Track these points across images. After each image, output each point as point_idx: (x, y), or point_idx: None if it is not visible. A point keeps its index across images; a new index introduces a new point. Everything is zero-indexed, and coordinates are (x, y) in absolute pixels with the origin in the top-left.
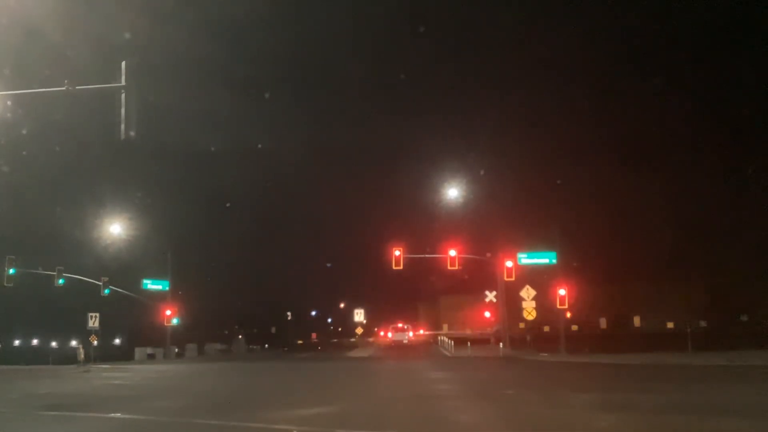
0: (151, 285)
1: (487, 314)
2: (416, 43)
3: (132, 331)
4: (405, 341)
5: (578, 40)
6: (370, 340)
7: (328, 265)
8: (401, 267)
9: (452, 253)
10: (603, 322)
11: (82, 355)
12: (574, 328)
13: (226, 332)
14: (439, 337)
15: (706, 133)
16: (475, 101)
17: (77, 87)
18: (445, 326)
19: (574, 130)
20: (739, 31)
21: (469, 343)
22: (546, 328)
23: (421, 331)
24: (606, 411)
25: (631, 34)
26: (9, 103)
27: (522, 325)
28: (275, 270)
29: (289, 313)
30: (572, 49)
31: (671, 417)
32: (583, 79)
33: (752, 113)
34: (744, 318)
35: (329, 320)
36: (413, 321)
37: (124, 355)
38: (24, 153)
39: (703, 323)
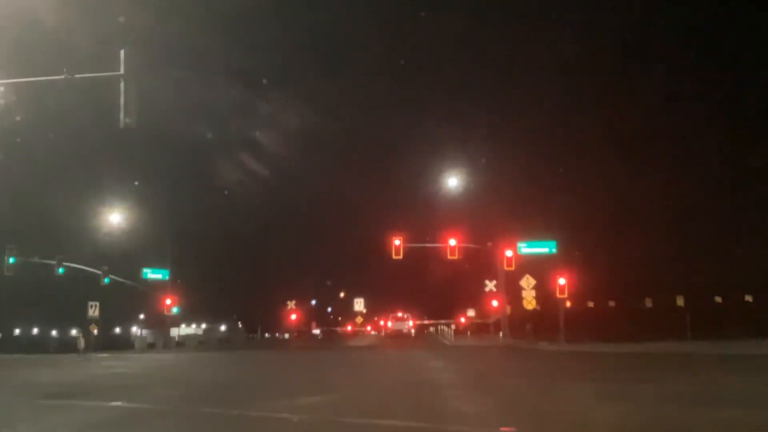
0: (151, 274)
1: (495, 303)
2: (418, 28)
3: (132, 321)
4: (405, 330)
5: (583, 28)
6: (371, 331)
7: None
8: (401, 256)
9: (452, 242)
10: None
11: (82, 344)
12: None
13: (226, 321)
14: (439, 326)
15: (709, 120)
16: (476, 89)
17: (76, 75)
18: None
19: (577, 119)
20: (746, 23)
21: (468, 332)
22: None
23: (421, 321)
24: (605, 400)
25: (636, 23)
26: (7, 91)
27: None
28: (275, 258)
29: (292, 302)
30: (576, 37)
31: (669, 406)
32: (587, 67)
33: (758, 104)
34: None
35: (329, 309)
36: (413, 310)
37: (124, 344)
38: (22, 142)
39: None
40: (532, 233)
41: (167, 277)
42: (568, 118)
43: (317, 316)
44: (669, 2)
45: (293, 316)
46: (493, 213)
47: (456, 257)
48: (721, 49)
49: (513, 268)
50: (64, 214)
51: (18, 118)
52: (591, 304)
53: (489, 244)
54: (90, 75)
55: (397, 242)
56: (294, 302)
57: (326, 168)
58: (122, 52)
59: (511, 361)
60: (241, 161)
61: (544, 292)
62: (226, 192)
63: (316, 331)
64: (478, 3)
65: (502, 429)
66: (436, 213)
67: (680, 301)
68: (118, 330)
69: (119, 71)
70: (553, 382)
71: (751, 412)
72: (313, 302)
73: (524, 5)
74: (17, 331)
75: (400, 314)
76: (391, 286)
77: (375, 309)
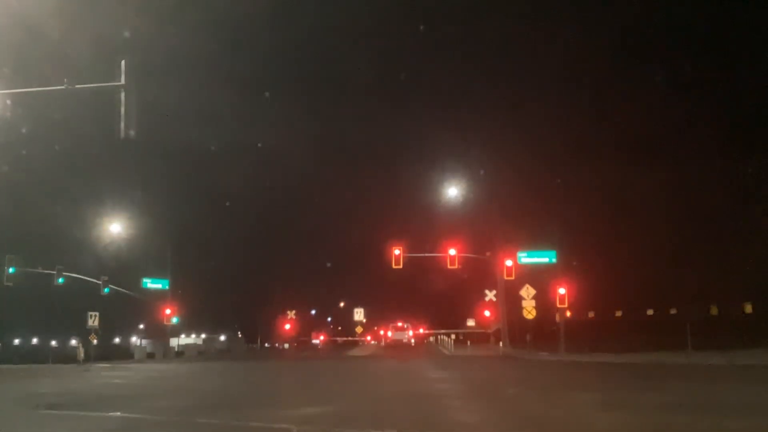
0: (150, 284)
1: (487, 313)
2: (416, 42)
3: (132, 330)
4: (405, 340)
5: (580, 37)
6: (371, 341)
7: (328, 264)
8: (401, 266)
9: (452, 252)
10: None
11: (82, 354)
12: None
13: (226, 331)
14: (438, 336)
15: (709, 128)
16: (475, 100)
17: (77, 86)
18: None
19: (576, 128)
20: (746, 24)
21: (468, 342)
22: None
23: (421, 330)
24: (606, 410)
25: (633, 29)
26: (8, 102)
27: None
28: (275, 268)
29: (292, 312)
30: (574, 46)
31: (671, 416)
32: (585, 76)
33: (757, 107)
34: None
35: (329, 319)
36: (413, 320)
37: (123, 354)
38: (23, 152)
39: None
40: (531, 243)
41: (167, 287)
42: (568, 127)
43: (317, 325)
44: (668, 4)
45: (290, 326)
46: (493, 222)
47: (456, 267)
48: (720, 53)
49: (513, 277)
50: (64, 224)
51: (23, 131)
52: (591, 315)
53: (488, 253)
54: (90, 85)
55: (397, 252)
56: (294, 312)
57: (327, 178)
58: (123, 62)
59: (511, 371)
60: (242, 171)
61: (544, 302)
62: (227, 203)
63: (316, 341)
64: (476, 15)
65: None
66: (436, 223)
67: (680, 311)
68: (117, 340)
69: (120, 81)
70: (553, 391)
71: (753, 421)
72: (313, 312)
73: (522, 17)
74: (17, 341)
75: (399, 324)
76: (391, 296)
77: (375, 318)
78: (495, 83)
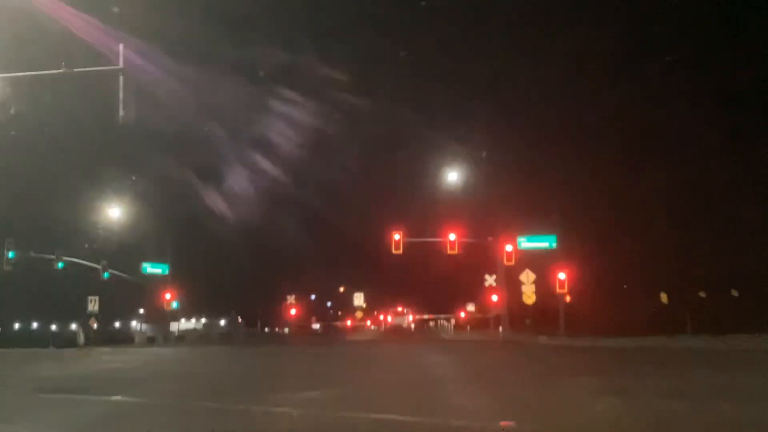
0: (150, 269)
1: (495, 297)
2: (417, 19)
3: (132, 315)
4: (404, 325)
5: (584, 22)
6: (371, 326)
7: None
8: (401, 251)
9: (452, 237)
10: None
11: (82, 339)
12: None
13: (226, 316)
14: (438, 321)
15: (711, 116)
16: (477, 82)
17: (75, 69)
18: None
19: (578, 113)
20: (747, 23)
21: (468, 327)
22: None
23: (421, 316)
24: (603, 394)
25: (639, 16)
26: (5, 85)
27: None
28: (275, 253)
29: (291, 297)
30: (578, 31)
31: (670, 401)
32: (589, 61)
33: (761, 100)
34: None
35: (329, 304)
36: (413, 305)
37: (123, 339)
38: (21, 136)
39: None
40: (532, 228)
41: (167, 272)
42: (570, 112)
43: (317, 310)
44: (669, 3)
45: (293, 311)
46: (493, 207)
47: (456, 252)
48: (724, 41)
49: (513, 262)
50: (63, 209)
51: (13, 111)
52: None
53: (489, 238)
54: (89, 69)
55: (396, 237)
56: (294, 297)
57: (326, 161)
58: (121, 46)
59: (511, 356)
60: (240, 156)
61: (544, 287)
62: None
63: (316, 326)
64: None
65: (502, 423)
66: (436, 207)
67: (680, 296)
68: (117, 324)
69: (119, 65)
70: (552, 376)
71: (753, 406)
72: (313, 297)
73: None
74: (17, 326)
75: (399, 309)
76: (391, 281)
77: (375, 304)
78: (497, 66)
